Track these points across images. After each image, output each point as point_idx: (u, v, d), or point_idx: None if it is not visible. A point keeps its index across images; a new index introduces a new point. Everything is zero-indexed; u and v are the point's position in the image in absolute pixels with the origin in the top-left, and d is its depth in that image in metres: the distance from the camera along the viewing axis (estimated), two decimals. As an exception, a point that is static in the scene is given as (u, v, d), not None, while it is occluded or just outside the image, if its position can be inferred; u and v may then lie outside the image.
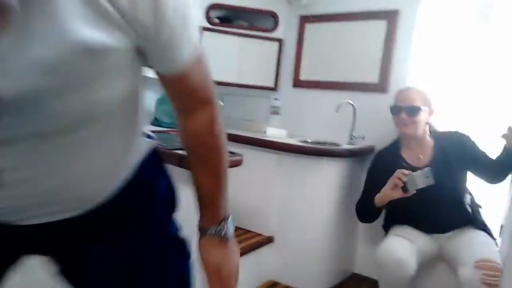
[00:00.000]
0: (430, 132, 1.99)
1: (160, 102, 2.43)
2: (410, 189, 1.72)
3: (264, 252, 2.20)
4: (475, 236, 1.83)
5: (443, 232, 1.90)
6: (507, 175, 1.87)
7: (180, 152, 1.54)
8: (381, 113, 2.39)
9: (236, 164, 1.60)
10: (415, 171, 1.73)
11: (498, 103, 2.16)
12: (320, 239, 2.21)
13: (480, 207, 1.96)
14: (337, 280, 2.31)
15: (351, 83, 2.50)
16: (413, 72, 2.34)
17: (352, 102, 2.41)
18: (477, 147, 1.91)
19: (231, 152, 1.64)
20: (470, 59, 2.23)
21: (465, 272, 1.64)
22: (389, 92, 2.37)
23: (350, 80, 2.50)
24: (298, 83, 2.71)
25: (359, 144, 2.40)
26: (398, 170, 1.77)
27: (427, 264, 1.85)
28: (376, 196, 1.87)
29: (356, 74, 2.48)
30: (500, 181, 1.90)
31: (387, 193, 1.81)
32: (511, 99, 2.13)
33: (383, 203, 1.87)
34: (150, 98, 2.50)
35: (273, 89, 2.77)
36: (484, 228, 1.87)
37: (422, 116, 1.90)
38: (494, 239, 1.85)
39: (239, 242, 2.08)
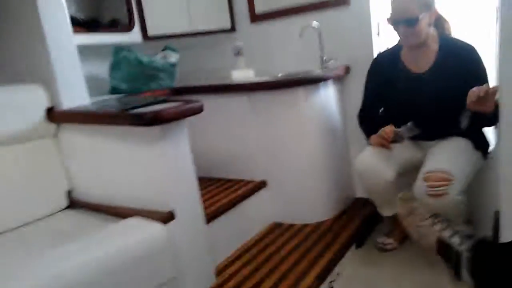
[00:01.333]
0: (438, 34, 1.78)
1: (113, 67, 2.23)
2: (398, 141, 1.74)
3: (260, 197, 2.10)
4: (451, 144, 1.75)
5: (430, 140, 1.82)
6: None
7: (133, 111, 1.41)
8: (348, 29, 2.24)
9: (195, 111, 1.45)
10: (399, 128, 1.71)
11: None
12: (314, 170, 2.11)
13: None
14: (341, 208, 2.23)
15: (309, 4, 2.30)
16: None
17: (315, 24, 2.24)
18: (482, 81, 1.65)
19: (187, 101, 1.48)
20: None
21: (416, 184, 1.60)
22: (351, 3, 2.20)
23: (307, 0, 2.31)
24: (255, 18, 2.51)
25: (332, 66, 2.26)
26: (382, 130, 1.74)
27: (416, 169, 1.75)
28: (370, 138, 1.84)
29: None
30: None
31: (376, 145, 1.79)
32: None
33: None
34: (102, 67, 2.30)
35: (231, 30, 2.58)
36: (472, 138, 1.76)
37: (423, 24, 1.68)
38: (483, 151, 1.77)
39: (232, 192, 2.00)
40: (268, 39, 2.51)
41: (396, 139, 1.73)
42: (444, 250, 1.18)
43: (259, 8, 2.49)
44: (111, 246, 1.20)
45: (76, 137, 1.69)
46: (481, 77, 1.68)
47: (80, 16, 2.16)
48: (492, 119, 1.58)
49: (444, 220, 1.24)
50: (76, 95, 1.73)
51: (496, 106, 1.49)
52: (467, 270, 1.08)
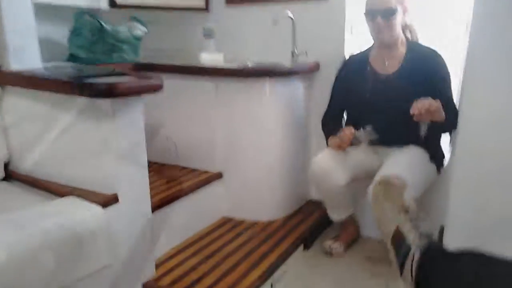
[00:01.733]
0: (407, 39, 1.82)
1: (74, 34, 2.07)
2: (356, 144, 1.76)
3: (213, 189, 2.03)
4: (408, 152, 1.76)
5: (388, 146, 1.82)
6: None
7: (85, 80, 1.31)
8: (323, 25, 2.19)
9: (154, 89, 1.36)
10: (359, 130, 1.72)
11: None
12: (271, 167, 2.06)
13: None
14: (293, 208, 2.20)
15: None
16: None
17: (290, 15, 2.17)
18: (445, 85, 1.71)
19: (146, 77, 1.39)
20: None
21: (370, 188, 1.57)
22: (329, -1, 2.15)
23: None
24: (231, 0, 2.42)
25: (302, 61, 2.21)
26: (342, 130, 1.76)
27: (370, 177, 1.73)
28: (329, 141, 1.85)
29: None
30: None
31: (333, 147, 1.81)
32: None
33: None
34: (62, 32, 2.14)
35: (205, 9, 2.47)
36: (429, 149, 1.78)
37: (398, 18, 1.73)
38: (437, 164, 1.80)
39: (185, 181, 1.92)
40: (242, 24, 2.42)
41: (354, 142, 1.74)
42: (398, 241, 1.19)
43: (237, -10, 2.39)
44: (35, 226, 1.10)
45: (21, 104, 1.56)
46: (445, 83, 1.72)
47: (42, -29, 1.98)
48: (448, 126, 1.60)
49: (412, 214, 1.24)
50: (27, 56, 1.59)
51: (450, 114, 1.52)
52: (409, 268, 1.09)
